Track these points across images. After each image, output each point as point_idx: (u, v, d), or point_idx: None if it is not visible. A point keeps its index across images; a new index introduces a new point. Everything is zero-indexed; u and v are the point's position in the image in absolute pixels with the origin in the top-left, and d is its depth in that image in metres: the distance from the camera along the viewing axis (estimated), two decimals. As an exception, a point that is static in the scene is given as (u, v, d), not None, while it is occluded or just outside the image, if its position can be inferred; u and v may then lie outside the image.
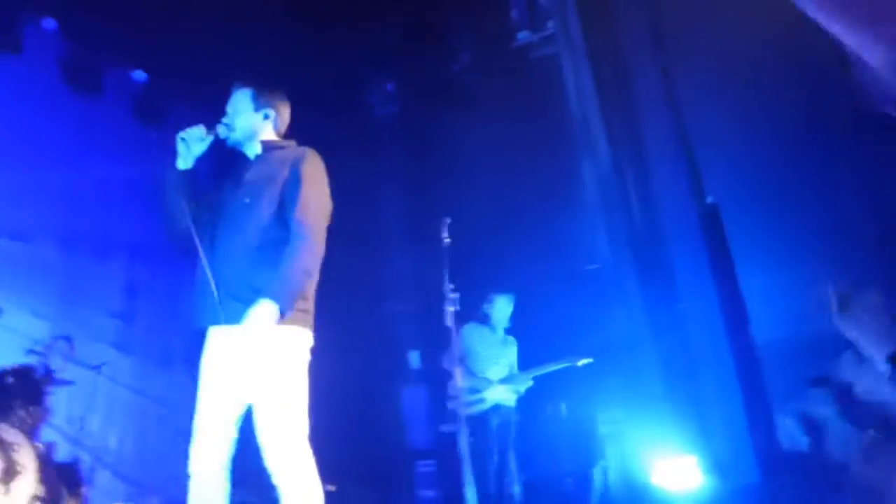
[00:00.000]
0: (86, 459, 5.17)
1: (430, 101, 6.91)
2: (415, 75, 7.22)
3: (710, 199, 5.86)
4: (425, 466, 6.49)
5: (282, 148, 2.98)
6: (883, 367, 3.00)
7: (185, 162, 2.76)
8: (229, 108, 2.95)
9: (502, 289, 5.50)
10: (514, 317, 5.50)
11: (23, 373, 4.09)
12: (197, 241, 2.67)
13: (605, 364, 5.57)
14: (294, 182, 2.79)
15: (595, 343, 5.60)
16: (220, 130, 2.86)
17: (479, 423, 5.04)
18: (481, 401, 5.11)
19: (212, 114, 3.00)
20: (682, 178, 5.91)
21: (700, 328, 5.71)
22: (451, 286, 3.95)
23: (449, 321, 3.92)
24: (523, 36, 6.78)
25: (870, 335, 3.11)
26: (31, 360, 4.48)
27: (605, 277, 6.13)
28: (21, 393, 3.98)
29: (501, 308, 5.40)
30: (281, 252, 2.66)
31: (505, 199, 6.59)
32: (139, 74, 6.61)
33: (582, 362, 5.19)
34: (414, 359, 7.06)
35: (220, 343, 2.72)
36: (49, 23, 5.91)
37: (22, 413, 3.94)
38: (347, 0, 6.67)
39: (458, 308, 3.94)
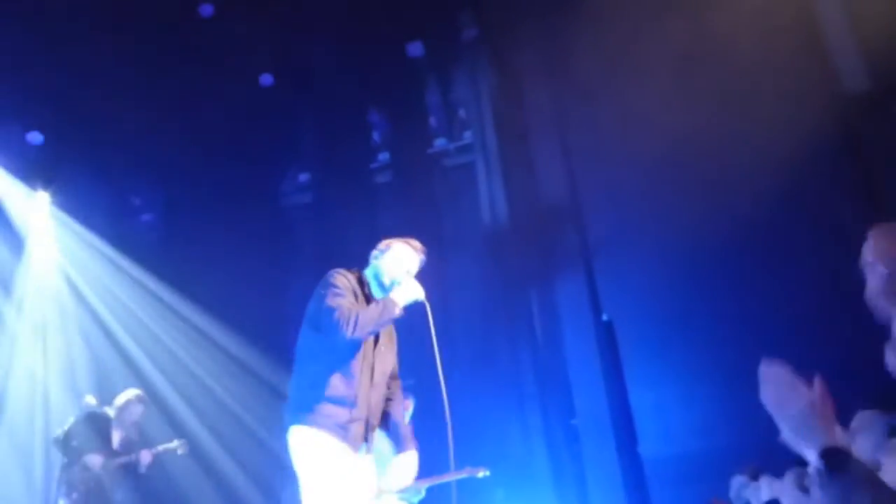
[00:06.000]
0: None
1: (344, 195, 6.83)
2: (330, 168, 7.16)
3: (605, 317, 6.02)
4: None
5: None
6: None
7: None
8: None
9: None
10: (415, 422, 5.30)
11: None
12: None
13: (499, 476, 5.45)
14: None
15: (490, 454, 5.50)
16: None
17: (372, 535, 4.74)
18: (375, 511, 4.83)
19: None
20: (583, 295, 6.06)
21: (592, 443, 5.75)
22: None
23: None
24: (440, 143, 6.92)
25: None
26: None
27: (505, 388, 6.11)
28: None
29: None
30: None
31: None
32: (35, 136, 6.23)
33: (482, 474, 5.01)
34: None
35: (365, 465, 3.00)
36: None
37: None
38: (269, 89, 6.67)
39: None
